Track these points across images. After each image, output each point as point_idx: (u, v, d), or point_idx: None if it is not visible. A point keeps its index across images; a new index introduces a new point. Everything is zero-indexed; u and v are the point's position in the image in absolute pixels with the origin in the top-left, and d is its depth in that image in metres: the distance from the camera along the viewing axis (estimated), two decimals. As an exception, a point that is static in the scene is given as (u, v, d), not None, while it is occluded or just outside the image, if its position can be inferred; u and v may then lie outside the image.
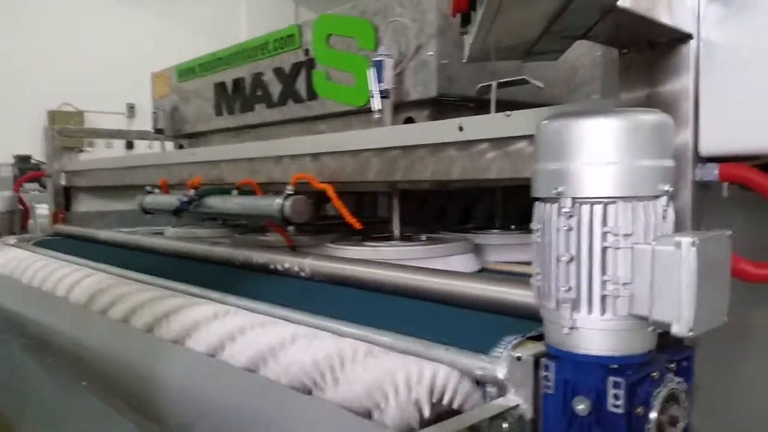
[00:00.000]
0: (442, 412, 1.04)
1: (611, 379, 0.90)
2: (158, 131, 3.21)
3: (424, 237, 2.11)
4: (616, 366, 0.91)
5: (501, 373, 1.03)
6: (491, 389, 1.06)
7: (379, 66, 1.94)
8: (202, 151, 2.67)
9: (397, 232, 2.06)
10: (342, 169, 1.85)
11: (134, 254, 2.51)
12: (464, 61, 1.19)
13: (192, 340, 1.43)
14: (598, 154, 0.87)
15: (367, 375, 1.08)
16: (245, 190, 2.08)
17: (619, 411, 0.90)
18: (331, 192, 1.77)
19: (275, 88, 2.56)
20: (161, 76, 3.32)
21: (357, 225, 1.79)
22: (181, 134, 3.21)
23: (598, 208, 0.88)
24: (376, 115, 1.94)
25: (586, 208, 0.89)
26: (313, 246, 2.09)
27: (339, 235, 2.25)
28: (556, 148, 0.91)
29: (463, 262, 1.93)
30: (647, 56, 1.09)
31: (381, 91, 1.91)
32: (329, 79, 2.28)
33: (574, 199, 0.89)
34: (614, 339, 0.90)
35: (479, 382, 1.07)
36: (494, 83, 1.45)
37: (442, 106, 1.98)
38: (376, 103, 1.93)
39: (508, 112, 1.35)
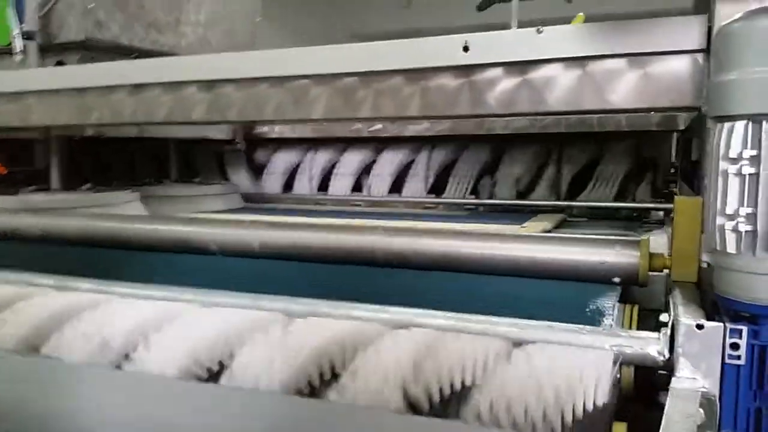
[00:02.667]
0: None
1: (839, 338, 0.74)
2: None
3: (87, 187, 2.02)
4: (840, 322, 0.75)
5: (661, 348, 0.80)
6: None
7: (20, 5, 1.77)
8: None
9: (56, 181, 1.96)
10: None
11: None
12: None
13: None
14: None
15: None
16: None
17: None
18: None
19: None
20: None
21: (2, 169, 1.72)
22: None
23: None
24: (18, 57, 1.77)
25: (836, 127, 0.69)
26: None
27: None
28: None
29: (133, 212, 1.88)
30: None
31: (24, 33, 1.77)
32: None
33: (825, 115, 0.69)
34: None
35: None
36: (515, -7, 1.17)
37: (93, 52, 1.89)
38: (18, 45, 1.77)
39: (540, 28, 1.10)
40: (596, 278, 1.05)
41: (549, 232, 1.70)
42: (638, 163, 2.22)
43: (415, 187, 2.43)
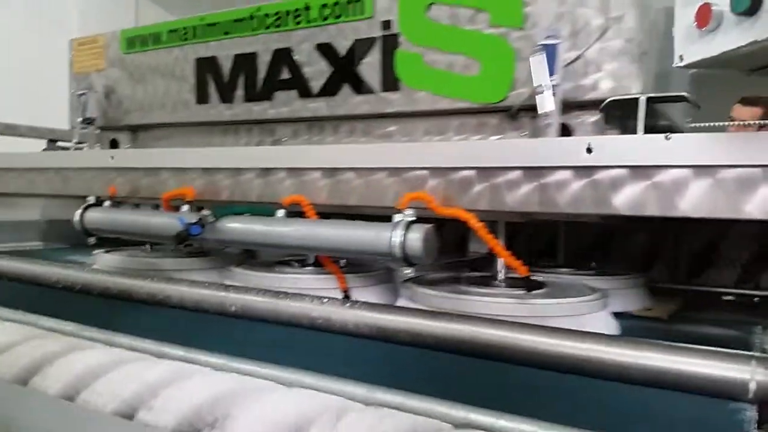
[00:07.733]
0: None
1: None
2: (87, 121, 2.29)
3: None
4: None
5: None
6: None
7: (551, 52, 1.39)
8: (192, 153, 1.84)
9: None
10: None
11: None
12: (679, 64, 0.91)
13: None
14: None
15: None
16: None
17: None
18: (474, 222, 1.25)
19: (318, 72, 1.91)
20: (92, 44, 2.42)
21: (522, 270, 1.31)
22: (122, 125, 2.40)
23: None
24: (547, 121, 1.39)
25: None
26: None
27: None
28: None
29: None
30: None
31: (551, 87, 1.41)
32: (427, 65, 1.69)
33: None
34: None
35: None
36: (643, 97, 1.16)
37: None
38: (547, 103, 1.38)
39: (669, 135, 1.09)
40: (730, 395, 0.99)
41: (673, 315, 1.64)
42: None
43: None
